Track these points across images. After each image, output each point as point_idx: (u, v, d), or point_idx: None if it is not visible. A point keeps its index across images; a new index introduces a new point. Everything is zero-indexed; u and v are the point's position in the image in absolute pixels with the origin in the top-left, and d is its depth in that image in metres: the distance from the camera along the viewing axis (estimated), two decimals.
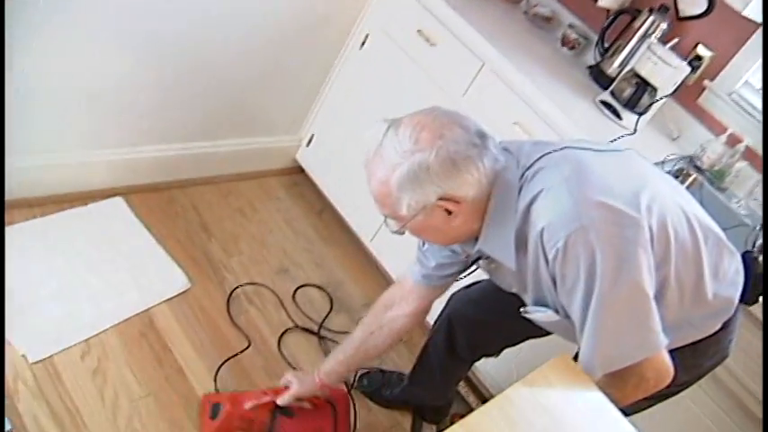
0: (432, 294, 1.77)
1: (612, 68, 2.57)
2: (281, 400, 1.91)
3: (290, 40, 2.54)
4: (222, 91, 2.52)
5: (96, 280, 2.16)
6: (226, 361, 2.16)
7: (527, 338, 1.96)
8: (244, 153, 2.80)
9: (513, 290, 1.52)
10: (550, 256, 1.26)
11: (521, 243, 1.33)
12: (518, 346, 2.12)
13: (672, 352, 1.33)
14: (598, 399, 1.21)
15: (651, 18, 2.48)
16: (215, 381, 2.09)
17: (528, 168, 1.34)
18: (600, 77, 2.61)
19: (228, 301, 2.35)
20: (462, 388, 2.46)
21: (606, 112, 2.40)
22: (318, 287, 2.59)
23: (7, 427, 1.73)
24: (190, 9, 2.16)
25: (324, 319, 2.46)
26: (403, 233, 1.40)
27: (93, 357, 1.99)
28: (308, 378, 1.92)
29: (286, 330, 2.36)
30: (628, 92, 2.40)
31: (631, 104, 2.39)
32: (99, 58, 2.09)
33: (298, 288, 2.53)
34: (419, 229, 1.38)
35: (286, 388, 1.93)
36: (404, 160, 1.27)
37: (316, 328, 2.42)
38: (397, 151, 1.28)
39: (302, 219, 2.86)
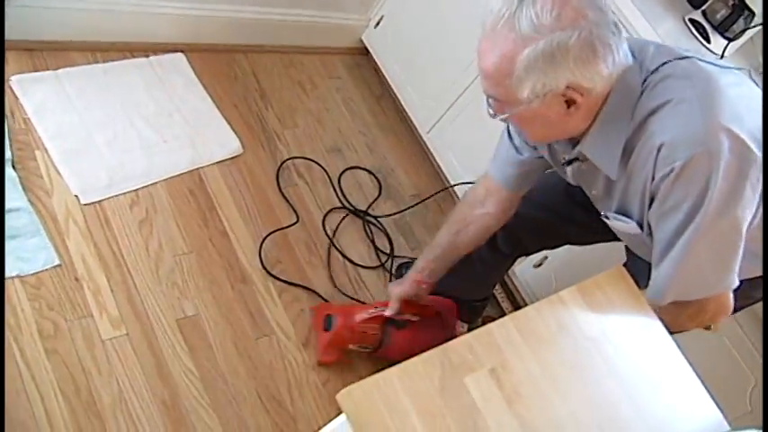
0: (512, 197, 1.70)
1: None
2: (389, 311, 1.90)
3: None
4: None
5: (151, 132, 2.15)
6: (271, 233, 2.17)
7: (566, 243, 1.94)
8: (311, 26, 2.73)
9: (593, 192, 1.45)
10: (660, 174, 1.17)
11: (626, 152, 1.24)
12: (559, 257, 2.10)
13: None
14: (648, 315, 1.19)
15: None
16: (260, 253, 2.11)
17: (651, 73, 1.21)
18: None
19: (278, 171, 2.34)
20: (498, 293, 2.45)
21: (694, 32, 2.26)
22: (369, 171, 2.56)
23: (56, 261, 1.77)
24: None
25: (371, 204, 2.44)
26: (504, 120, 1.28)
27: (142, 208, 2.00)
28: (406, 279, 1.88)
29: (332, 209, 2.36)
30: (722, 14, 2.24)
31: (723, 28, 2.23)
32: None
33: (348, 169, 2.51)
34: (526, 119, 1.25)
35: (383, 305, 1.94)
36: (540, 37, 1.09)
37: (362, 212, 2.41)
38: (533, 25, 1.10)
39: (360, 101, 2.81)
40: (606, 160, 1.27)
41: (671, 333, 1.23)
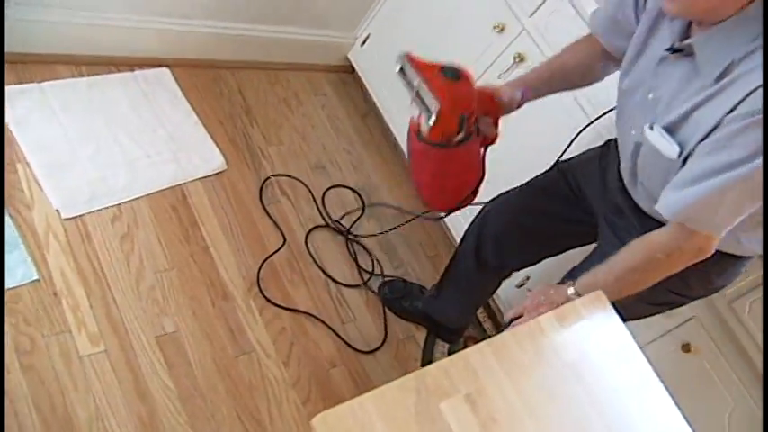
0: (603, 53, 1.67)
1: None
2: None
3: None
4: None
5: (135, 147, 2.15)
6: (265, 260, 2.17)
7: (549, 251, 1.96)
8: (297, 43, 2.74)
9: (651, 96, 1.43)
10: (742, 111, 1.21)
11: (726, 69, 1.26)
12: (540, 276, 2.12)
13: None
14: (626, 340, 1.20)
15: None
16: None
17: None
18: None
19: (262, 188, 2.34)
20: (480, 313, 2.46)
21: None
22: (353, 189, 2.57)
23: (35, 276, 1.76)
24: None
25: (354, 222, 2.44)
26: None
27: (124, 223, 2.00)
28: (509, 85, 1.68)
29: (315, 227, 2.36)
30: None
31: None
32: None
33: (332, 187, 2.51)
34: None
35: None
36: None
37: (345, 230, 2.41)
38: None
39: (346, 119, 2.81)
40: (710, 64, 1.28)
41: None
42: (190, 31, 2.41)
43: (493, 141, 1.64)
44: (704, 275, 1.57)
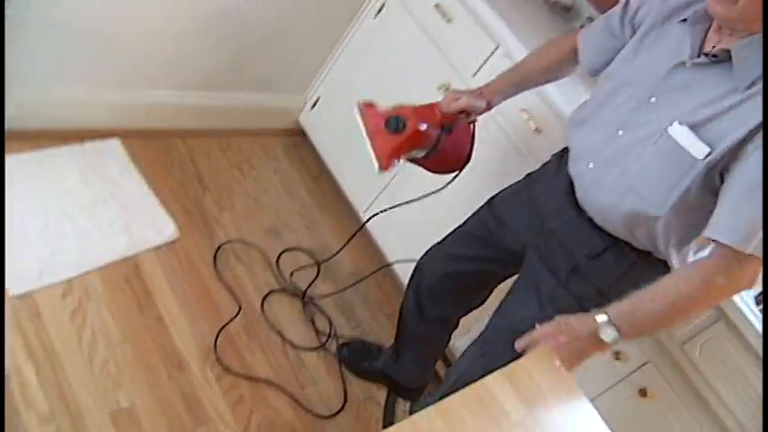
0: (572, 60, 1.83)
1: None
2: (448, 108, 1.82)
3: (306, 1, 2.50)
4: (233, 44, 2.49)
5: (85, 220, 2.14)
6: (222, 329, 2.15)
7: (490, 293, 2.01)
8: (247, 109, 2.77)
9: (652, 99, 1.48)
10: None
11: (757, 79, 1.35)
12: None
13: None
14: (575, 396, 1.21)
15: None
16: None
17: None
18: None
19: (216, 255, 2.33)
20: (440, 367, 2.46)
21: None
22: (307, 252, 2.57)
23: None
24: None
25: (309, 285, 2.44)
26: None
27: (75, 297, 1.97)
28: (475, 93, 1.85)
29: (271, 291, 2.35)
30: None
31: None
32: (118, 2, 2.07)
33: (286, 250, 2.52)
34: None
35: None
36: None
37: (301, 293, 2.41)
38: None
39: (299, 182, 2.84)
40: (745, 72, 1.35)
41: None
42: (139, 101, 2.43)
43: (473, 120, 1.89)
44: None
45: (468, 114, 1.86)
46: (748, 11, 1.33)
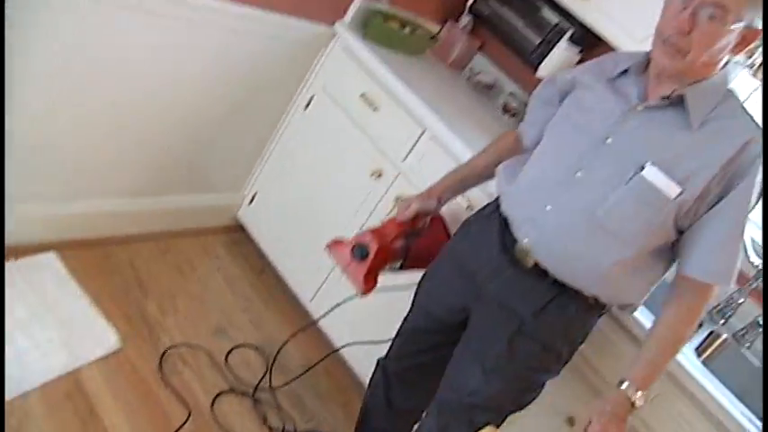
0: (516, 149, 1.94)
1: None
2: (403, 217, 1.94)
3: (236, 99, 2.55)
4: (166, 148, 2.51)
5: (23, 338, 2.08)
6: None
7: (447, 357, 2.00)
8: (185, 210, 2.78)
9: (608, 141, 1.59)
10: (752, 153, 1.49)
11: (709, 116, 1.53)
12: None
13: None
14: None
15: None
16: None
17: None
18: None
19: (161, 361, 2.29)
20: None
21: None
22: (255, 348, 2.55)
23: None
24: (140, 70, 2.16)
25: (259, 382, 2.41)
26: (703, 31, 1.45)
27: (14, 418, 1.90)
28: (424, 195, 1.97)
29: (221, 393, 2.31)
30: None
31: None
32: (44, 113, 2.08)
33: (234, 348, 2.49)
34: (716, 36, 1.46)
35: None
36: None
37: (251, 391, 2.37)
38: None
39: (242, 278, 2.83)
40: (698, 113, 1.52)
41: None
42: (74, 212, 2.42)
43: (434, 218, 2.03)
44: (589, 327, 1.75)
45: (426, 215, 1.97)
46: (696, 61, 1.49)
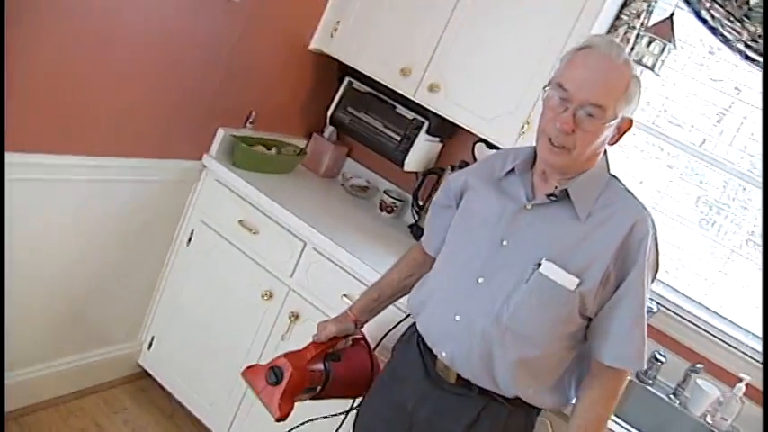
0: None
1: None
2: (319, 339, 1.93)
3: (117, 249, 2.56)
4: (54, 310, 2.46)
5: None
6: None
7: None
8: (83, 368, 2.70)
9: (503, 243, 1.65)
10: (639, 235, 1.58)
11: (595, 206, 1.62)
12: None
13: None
14: None
15: None
16: None
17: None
18: (421, 234, 2.76)
19: None
20: None
21: None
22: None
23: None
24: (16, 239, 2.14)
25: None
26: (586, 130, 1.54)
27: None
28: (340, 318, 1.97)
29: None
30: None
31: None
32: None
33: None
34: (596, 133, 1.55)
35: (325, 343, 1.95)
36: (633, 69, 1.57)
37: None
38: (628, 59, 1.57)
39: (153, 425, 2.75)
40: (583, 205, 1.61)
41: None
42: None
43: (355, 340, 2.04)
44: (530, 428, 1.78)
45: (345, 338, 1.98)
46: (581, 156, 1.59)
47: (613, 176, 1.69)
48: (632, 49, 2.44)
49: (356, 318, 1.98)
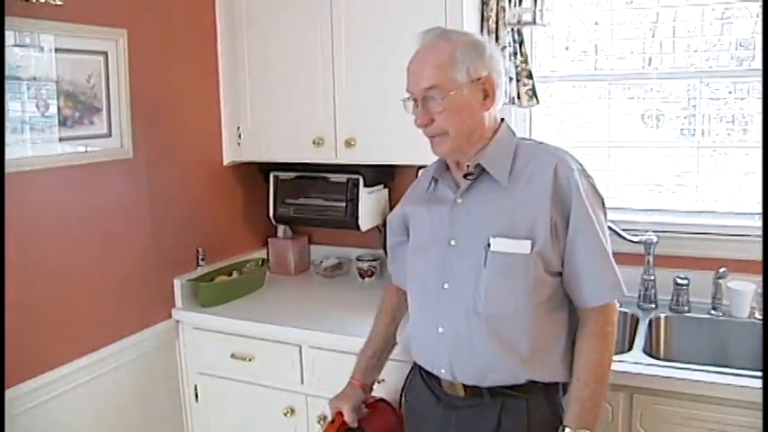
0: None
1: None
2: (348, 419, 1.87)
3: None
4: None
5: None
6: None
7: None
8: None
9: (452, 243, 1.65)
10: (564, 174, 1.58)
11: (512, 169, 1.62)
12: None
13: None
14: None
15: None
16: None
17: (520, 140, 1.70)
18: None
19: None
20: None
21: None
22: None
23: None
24: None
25: None
26: (439, 111, 1.58)
27: None
28: (347, 390, 1.92)
29: None
30: None
31: None
32: None
33: None
34: (457, 108, 1.57)
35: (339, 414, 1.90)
36: (468, 37, 1.64)
37: None
38: (461, 33, 1.67)
39: None
40: (500, 168, 1.62)
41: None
42: None
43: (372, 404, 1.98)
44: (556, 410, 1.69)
45: (359, 405, 1.92)
46: (463, 133, 1.61)
47: (522, 138, 1.72)
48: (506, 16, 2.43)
49: (362, 382, 1.94)
